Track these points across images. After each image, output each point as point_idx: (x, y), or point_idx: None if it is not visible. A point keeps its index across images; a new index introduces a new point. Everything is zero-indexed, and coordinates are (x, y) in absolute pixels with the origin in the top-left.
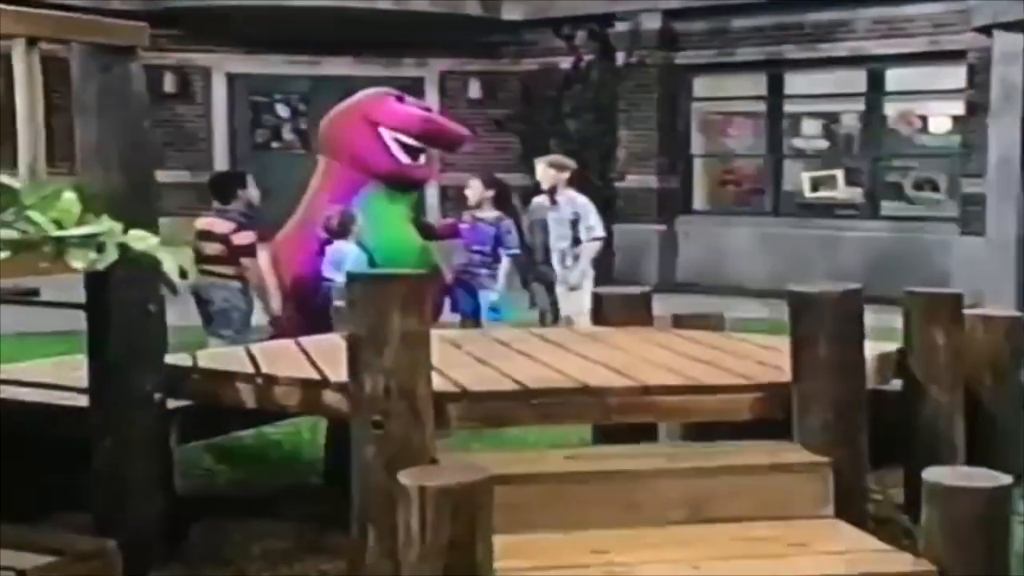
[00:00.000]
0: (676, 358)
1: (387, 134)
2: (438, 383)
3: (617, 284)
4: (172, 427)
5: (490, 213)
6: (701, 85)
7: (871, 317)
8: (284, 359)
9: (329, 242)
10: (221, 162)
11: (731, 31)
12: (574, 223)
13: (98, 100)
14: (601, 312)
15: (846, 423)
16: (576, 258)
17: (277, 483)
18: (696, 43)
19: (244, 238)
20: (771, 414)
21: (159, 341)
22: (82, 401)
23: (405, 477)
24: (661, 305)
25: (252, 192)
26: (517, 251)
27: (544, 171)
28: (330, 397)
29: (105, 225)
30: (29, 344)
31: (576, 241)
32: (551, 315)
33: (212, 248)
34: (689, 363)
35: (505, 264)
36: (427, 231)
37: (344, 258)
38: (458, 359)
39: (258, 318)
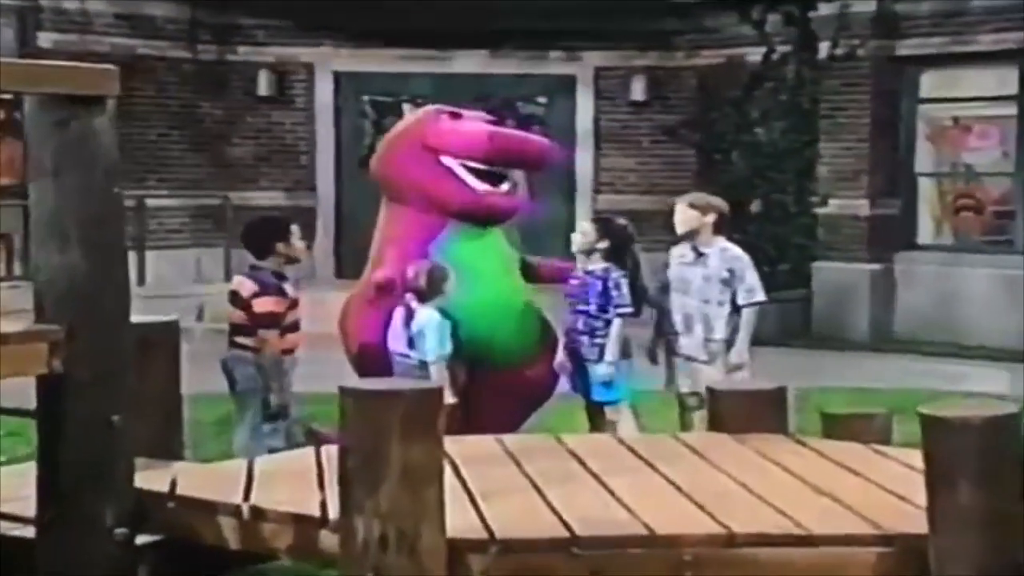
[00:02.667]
0: (790, 488)
1: (451, 161)
2: (461, 524)
3: (815, 342)
4: (140, 570)
5: (597, 264)
6: (929, 82)
7: None
8: (289, 480)
9: (406, 306)
10: (325, 180)
11: (969, 12)
12: (726, 282)
13: (54, 162)
14: (716, 413)
15: None
16: (731, 329)
17: None
18: (923, 29)
19: (263, 304)
20: None
21: (124, 460)
22: (29, 532)
23: None
24: (873, 368)
25: (296, 246)
26: (629, 309)
27: (684, 213)
28: (328, 541)
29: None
30: None
31: (734, 307)
32: (695, 401)
33: (236, 315)
34: (805, 496)
35: (616, 327)
36: (527, 272)
37: (422, 327)
38: (505, 483)
39: (277, 400)
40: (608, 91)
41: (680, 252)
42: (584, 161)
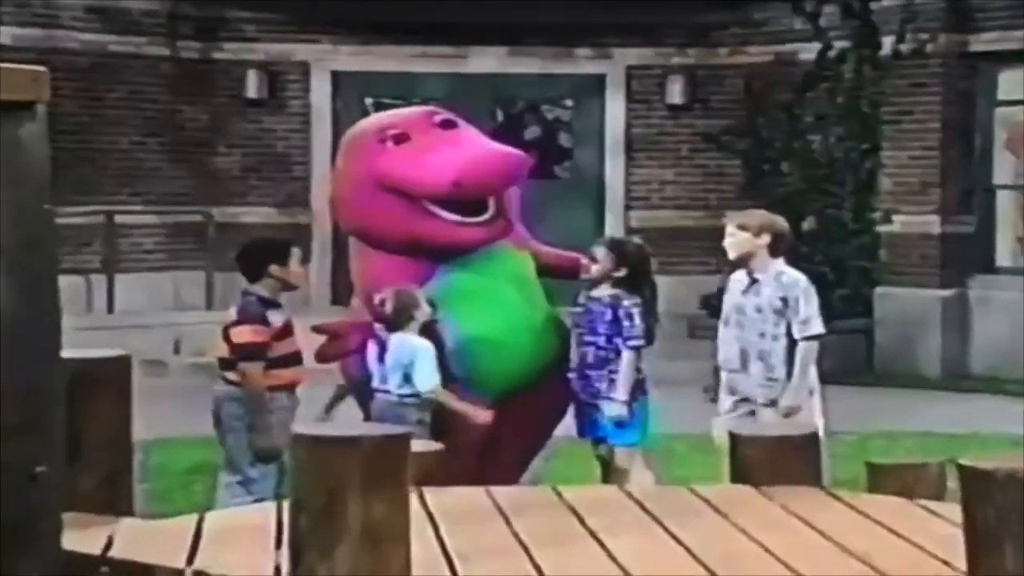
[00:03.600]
0: (818, 550)
1: (423, 199)
2: None
3: (877, 379)
4: None
5: (604, 291)
6: (1008, 82)
7: None
8: (243, 539)
9: (377, 336)
10: (321, 194)
11: None
12: (780, 312)
13: None
14: (739, 462)
15: None
16: (786, 368)
17: None
18: (1001, 21)
19: (240, 335)
20: None
21: (49, 518)
22: None
23: None
24: (944, 410)
25: (293, 271)
26: (641, 341)
27: (734, 235)
28: None
29: None
30: None
31: (791, 341)
32: None
33: (220, 346)
34: (835, 561)
35: (627, 360)
36: (545, 269)
37: (412, 357)
38: (490, 543)
39: (261, 442)
40: (642, 93)
41: (738, 278)
42: (614, 172)
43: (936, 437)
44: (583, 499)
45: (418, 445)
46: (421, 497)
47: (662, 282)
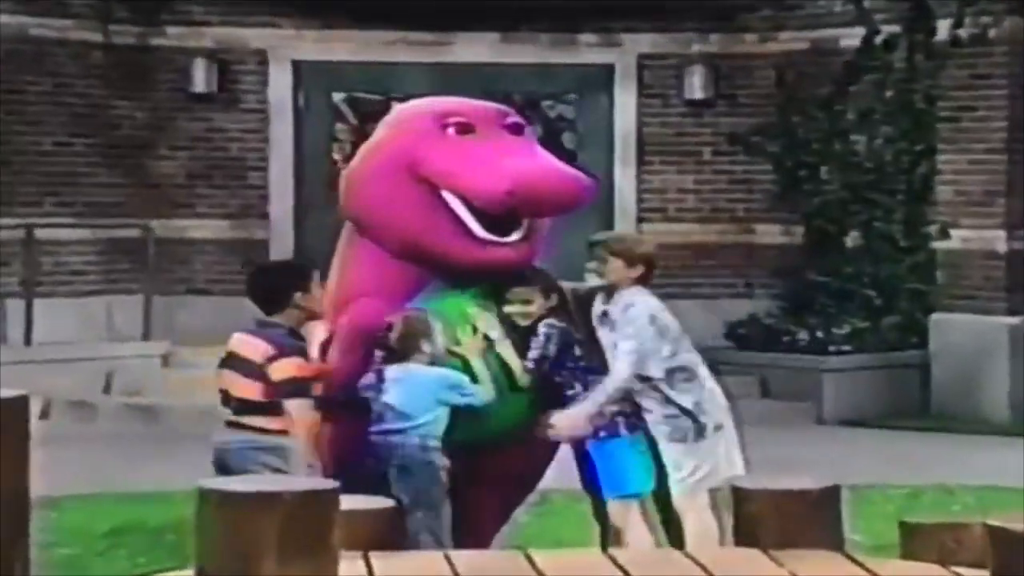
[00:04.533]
0: None
1: (453, 200)
2: None
3: (934, 421)
4: None
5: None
6: None
7: None
8: None
9: (376, 371)
10: (282, 205)
11: None
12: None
13: None
14: (744, 520)
15: None
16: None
17: None
18: None
19: (286, 369)
20: None
21: None
22: None
23: None
24: (1013, 458)
25: (316, 296)
26: (534, 357)
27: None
28: None
29: None
30: None
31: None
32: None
33: (241, 386)
34: None
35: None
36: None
37: (418, 388)
38: None
39: None
40: (657, 87)
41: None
42: (625, 179)
43: (1001, 491)
44: (557, 565)
45: (366, 502)
46: (367, 564)
47: (680, 307)
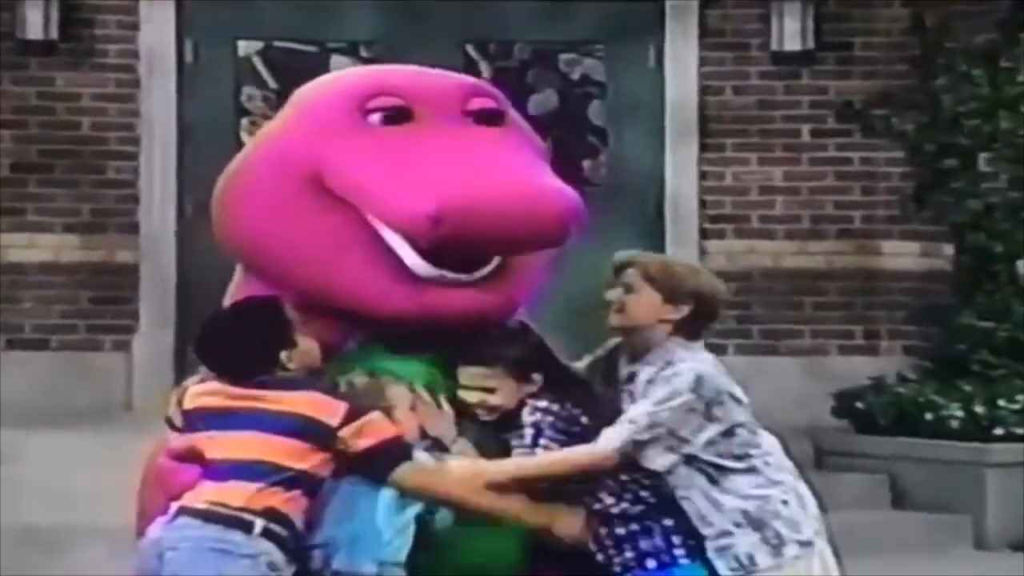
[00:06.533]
0: None
1: (383, 227)
2: None
3: None
4: None
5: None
6: None
7: None
8: None
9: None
10: (159, 214)
11: None
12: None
13: None
14: None
15: None
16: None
17: None
18: None
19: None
20: None
21: None
22: None
23: None
24: None
25: (306, 349)
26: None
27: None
28: None
29: None
30: None
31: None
32: None
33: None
34: None
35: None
36: None
37: (359, 508)
38: None
39: None
40: (730, 32)
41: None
42: (680, 173)
43: None
44: None
45: None
46: None
47: (766, 365)
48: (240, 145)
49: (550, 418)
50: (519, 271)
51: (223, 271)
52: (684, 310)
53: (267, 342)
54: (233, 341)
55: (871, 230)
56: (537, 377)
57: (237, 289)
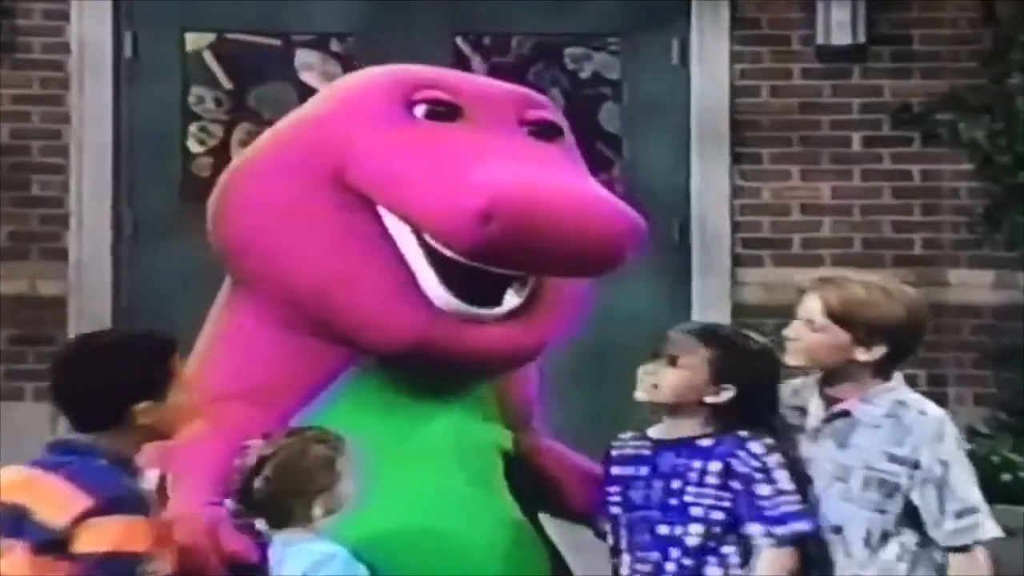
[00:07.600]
0: None
1: (401, 228)
2: None
3: None
4: None
5: (694, 428)
6: None
7: None
8: None
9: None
10: (91, 235)
11: None
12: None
13: None
14: None
15: None
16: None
17: None
18: None
19: (107, 534)
20: None
21: None
22: None
23: None
24: None
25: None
26: (805, 523)
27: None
28: None
29: None
30: None
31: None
32: None
33: (20, 566)
34: None
35: (768, 564)
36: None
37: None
38: None
39: None
40: (768, 24)
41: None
42: (709, 187)
43: None
44: None
45: None
46: None
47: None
48: (188, 155)
49: (755, 445)
50: (545, 306)
51: (167, 304)
52: (882, 349)
53: (120, 385)
54: (81, 377)
55: (935, 256)
56: (731, 388)
57: (221, 315)
